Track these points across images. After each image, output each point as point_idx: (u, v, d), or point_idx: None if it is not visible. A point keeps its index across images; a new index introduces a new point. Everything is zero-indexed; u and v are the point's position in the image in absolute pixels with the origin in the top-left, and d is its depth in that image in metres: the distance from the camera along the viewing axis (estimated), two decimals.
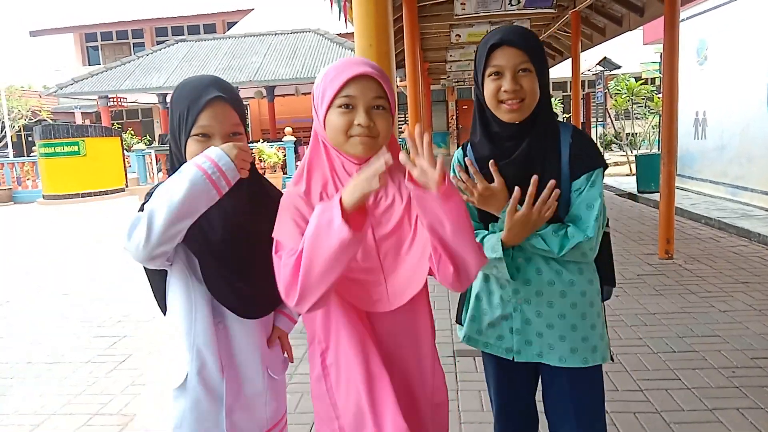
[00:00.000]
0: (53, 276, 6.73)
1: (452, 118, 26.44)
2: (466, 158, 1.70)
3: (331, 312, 1.40)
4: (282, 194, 1.46)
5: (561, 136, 1.64)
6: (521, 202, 1.57)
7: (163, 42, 22.73)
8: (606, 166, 1.63)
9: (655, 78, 19.56)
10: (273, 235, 1.34)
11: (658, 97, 16.41)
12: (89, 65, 28.08)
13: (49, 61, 30.35)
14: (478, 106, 1.66)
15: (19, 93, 23.55)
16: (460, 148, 1.81)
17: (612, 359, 1.77)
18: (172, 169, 1.47)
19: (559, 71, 17.58)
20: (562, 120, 1.73)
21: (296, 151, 16.48)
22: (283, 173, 15.69)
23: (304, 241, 1.22)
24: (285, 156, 15.67)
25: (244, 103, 19.57)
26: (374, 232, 1.37)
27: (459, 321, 1.88)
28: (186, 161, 1.40)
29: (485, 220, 1.72)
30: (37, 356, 4.10)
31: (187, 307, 1.49)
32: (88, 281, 6.38)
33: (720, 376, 3.25)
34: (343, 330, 1.38)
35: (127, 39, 29.55)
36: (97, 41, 29.66)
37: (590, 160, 1.61)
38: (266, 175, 15.15)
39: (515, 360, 1.73)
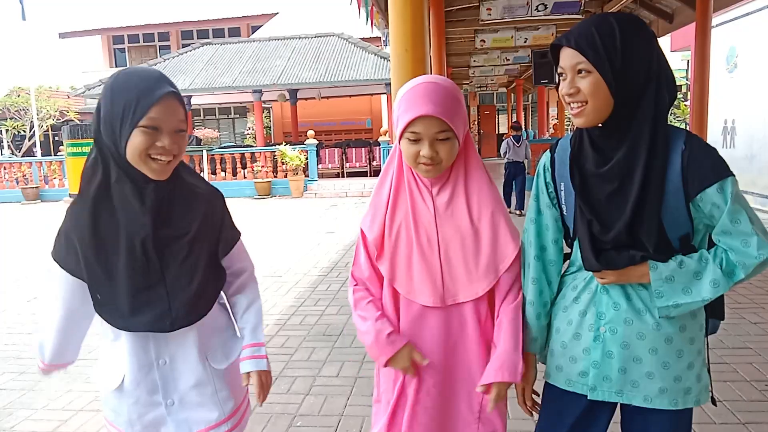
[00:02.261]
0: None
1: (474, 123, 26.34)
2: (553, 169, 1.56)
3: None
4: (213, 190, 1.57)
5: (672, 143, 1.37)
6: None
7: (188, 45, 23.01)
8: (733, 176, 1.35)
9: (681, 85, 19.31)
10: (363, 233, 1.64)
11: (686, 105, 16.18)
12: (116, 67, 28.52)
13: (77, 63, 30.97)
14: None
15: (47, 94, 23.99)
16: (549, 149, 1.62)
17: (714, 402, 1.54)
18: (92, 167, 1.41)
19: None
20: (677, 125, 1.47)
21: (318, 154, 16.54)
22: (305, 176, 15.78)
23: (363, 330, 1.60)
24: (307, 159, 15.75)
25: (267, 106, 19.73)
26: (437, 224, 1.55)
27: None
28: (124, 153, 1.37)
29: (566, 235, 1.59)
30: None
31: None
32: None
33: (753, 389, 3.18)
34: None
35: (154, 42, 29.96)
36: (124, 43, 30.11)
37: (713, 170, 1.34)
38: (288, 177, 15.26)
39: (589, 397, 1.51)
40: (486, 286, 1.54)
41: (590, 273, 1.49)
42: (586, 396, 1.51)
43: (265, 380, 1.60)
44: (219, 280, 1.58)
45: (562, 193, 1.54)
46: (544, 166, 1.60)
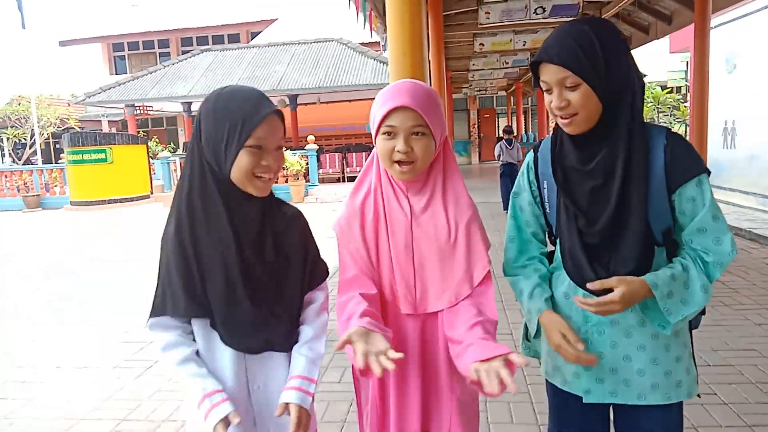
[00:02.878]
0: (81, 281, 6.81)
1: (473, 127, 26.35)
2: (538, 173, 1.59)
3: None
4: (297, 211, 1.60)
5: (653, 140, 1.42)
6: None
7: (188, 51, 23.06)
8: (709, 173, 1.42)
9: (681, 87, 19.31)
10: (338, 238, 1.58)
11: (685, 106, 16.18)
12: (116, 74, 28.58)
13: (77, 71, 30.96)
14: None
15: (48, 101, 24.04)
16: (532, 150, 1.66)
17: (698, 395, 1.56)
18: (190, 175, 1.43)
19: None
20: (654, 123, 1.53)
21: (318, 159, 16.55)
22: (306, 181, 15.78)
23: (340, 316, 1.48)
24: (307, 164, 15.76)
25: None
26: (413, 229, 1.52)
27: (526, 336, 1.73)
28: (228, 172, 1.39)
29: (549, 231, 1.63)
30: (65, 361, 4.14)
31: (206, 347, 1.48)
32: (114, 287, 6.45)
33: (758, 391, 3.16)
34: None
35: (154, 49, 30.02)
36: (124, 51, 30.18)
37: (692, 164, 1.40)
38: (289, 183, 15.25)
39: (584, 401, 1.54)
40: (457, 297, 1.50)
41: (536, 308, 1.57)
42: (597, 403, 1.53)
43: (304, 420, 1.44)
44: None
45: (545, 191, 1.59)
46: (528, 164, 1.64)
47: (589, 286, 1.42)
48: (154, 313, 1.46)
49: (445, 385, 1.54)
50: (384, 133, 1.47)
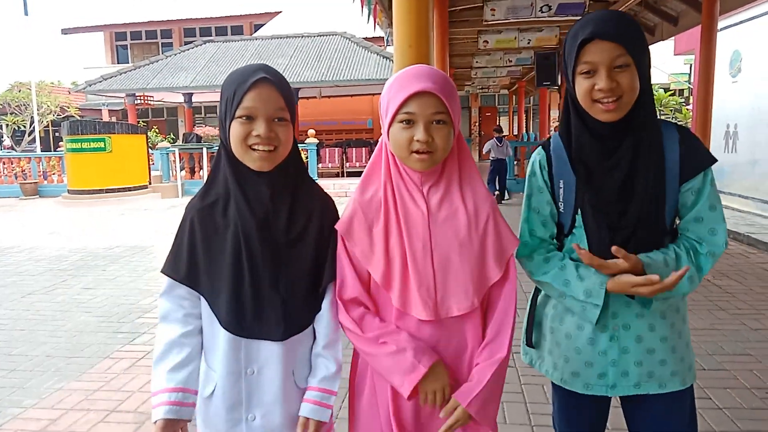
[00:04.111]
0: (75, 270, 6.78)
1: (474, 125, 26.33)
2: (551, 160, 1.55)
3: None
4: (325, 197, 1.52)
5: (665, 133, 1.45)
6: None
7: (191, 42, 22.98)
8: (715, 161, 1.46)
9: (683, 89, 19.26)
10: (342, 239, 1.45)
11: (687, 109, 16.13)
12: (118, 63, 28.50)
13: (79, 59, 30.90)
14: (572, 101, 1.47)
15: (48, 89, 24.02)
16: (540, 147, 1.62)
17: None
18: (217, 159, 1.45)
19: None
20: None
21: (318, 154, 16.51)
22: None
23: (372, 355, 1.41)
24: (307, 158, 15.72)
25: None
26: (430, 227, 1.40)
27: (529, 343, 1.69)
28: (230, 146, 1.39)
29: (558, 232, 1.59)
30: (56, 350, 4.11)
31: (209, 327, 1.47)
32: (109, 276, 6.42)
33: (753, 396, 3.13)
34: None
35: (156, 39, 29.95)
36: (126, 40, 30.10)
37: (704, 156, 1.45)
38: None
39: (609, 395, 1.55)
40: (482, 295, 1.41)
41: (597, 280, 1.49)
42: (606, 396, 1.55)
43: None
44: (320, 291, 1.50)
45: (561, 190, 1.54)
46: (540, 164, 1.58)
47: (614, 250, 1.38)
48: (163, 269, 1.47)
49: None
50: (401, 121, 1.35)
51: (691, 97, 17.11)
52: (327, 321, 1.48)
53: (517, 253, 1.60)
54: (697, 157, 1.44)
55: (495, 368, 1.38)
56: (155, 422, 1.39)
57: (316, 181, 1.54)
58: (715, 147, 10.24)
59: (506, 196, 12.66)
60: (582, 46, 1.37)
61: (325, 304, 1.48)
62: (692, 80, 17.02)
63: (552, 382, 1.67)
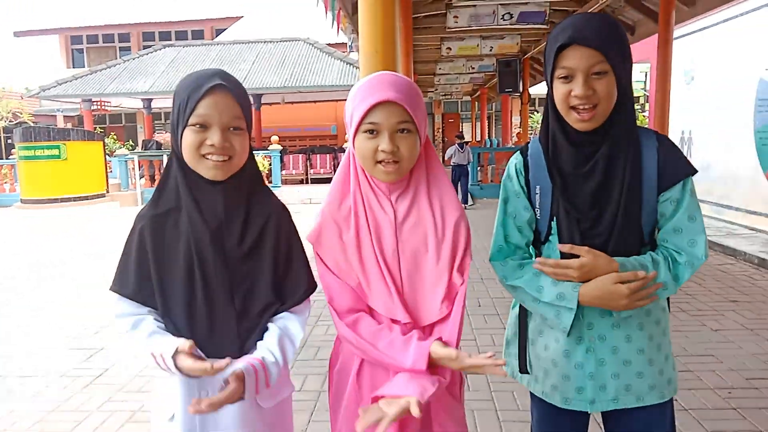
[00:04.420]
0: (28, 284, 6.52)
1: (438, 131, 26.54)
2: (528, 179, 1.51)
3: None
4: (281, 208, 1.45)
5: (643, 141, 1.42)
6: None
7: (149, 47, 22.52)
8: (696, 172, 1.42)
9: (639, 97, 19.79)
10: (315, 250, 1.40)
11: (644, 116, 16.58)
12: (73, 68, 27.73)
13: (32, 63, 29.92)
14: (551, 107, 1.45)
15: (0, 94, 23.15)
16: (518, 152, 1.59)
17: None
18: (168, 166, 1.37)
19: (545, 88, 17.70)
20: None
21: (282, 160, 16.36)
22: (268, 182, 15.57)
23: (368, 346, 1.33)
24: (270, 165, 15.55)
25: None
26: (397, 235, 1.37)
27: (523, 370, 1.63)
28: (182, 154, 1.32)
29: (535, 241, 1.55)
30: (8, 369, 3.91)
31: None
32: (63, 290, 6.18)
33: (717, 397, 3.19)
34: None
35: (114, 43, 29.27)
36: (82, 44, 29.32)
37: (683, 166, 1.42)
38: None
39: (590, 411, 1.51)
40: (448, 307, 1.35)
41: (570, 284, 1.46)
42: (585, 412, 1.52)
43: (234, 391, 1.25)
44: (279, 306, 1.41)
45: (537, 196, 1.52)
46: (516, 169, 1.56)
47: (559, 247, 1.40)
48: (111, 287, 1.39)
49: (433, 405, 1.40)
50: (366, 131, 1.32)
51: (647, 104, 17.60)
52: (292, 324, 1.39)
53: (491, 257, 1.60)
54: (675, 166, 1.41)
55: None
56: (173, 358, 1.25)
57: (273, 191, 1.48)
58: None
59: (469, 201, 12.92)
60: (560, 50, 1.35)
61: (295, 313, 1.41)
62: (648, 88, 17.52)
63: (531, 394, 1.65)
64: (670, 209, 1.43)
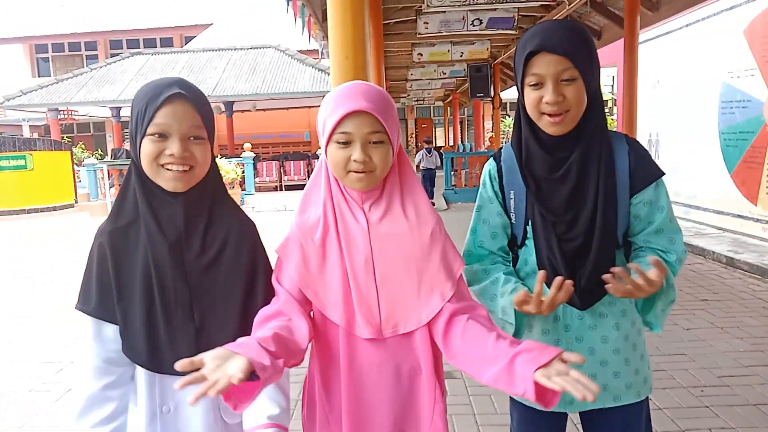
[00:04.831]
0: None
1: (411, 137, 26.66)
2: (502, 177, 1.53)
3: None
4: (246, 221, 1.41)
5: (615, 145, 1.45)
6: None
7: (117, 54, 22.17)
8: (664, 174, 1.47)
9: (608, 100, 20.17)
10: (280, 257, 1.38)
11: (612, 119, 16.89)
12: (39, 77, 27.15)
13: None
14: (522, 112, 1.46)
15: None
16: (492, 158, 1.60)
17: None
18: (128, 177, 1.33)
19: (516, 93, 17.92)
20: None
21: (255, 167, 16.25)
22: (242, 189, 15.43)
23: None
24: (243, 172, 15.42)
25: None
26: (372, 244, 1.34)
27: None
28: (141, 164, 1.28)
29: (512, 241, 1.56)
30: None
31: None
32: (30, 303, 6.02)
33: (690, 395, 3.25)
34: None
35: (80, 51, 28.76)
36: (48, 52, 28.75)
37: (654, 168, 1.45)
38: None
39: (568, 411, 1.53)
40: (432, 311, 1.33)
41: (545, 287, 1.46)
42: (563, 412, 1.54)
43: None
44: (244, 320, 1.36)
45: (512, 201, 1.53)
46: (490, 175, 1.57)
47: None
48: (76, 305, 1.35)
49: (425, 411, 1.38)
50: (337, 142, 1.30)
51: (615, 108, 17.94)
52: None
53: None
54: (646, 168, 1.45)
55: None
56: None
57: (237, 203, 1.44)
58: None
59: (438, 204, 13.09)
60: (529, 57, 1.36)
61: None
62: (615, 91, 17.87)
63: (511, 398, 1.65)
64: (645, 211, 1.45)
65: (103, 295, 1.30)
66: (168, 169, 1.27)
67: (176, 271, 1.28)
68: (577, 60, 1.34)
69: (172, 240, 1.29)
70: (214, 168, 1.38)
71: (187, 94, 1.27)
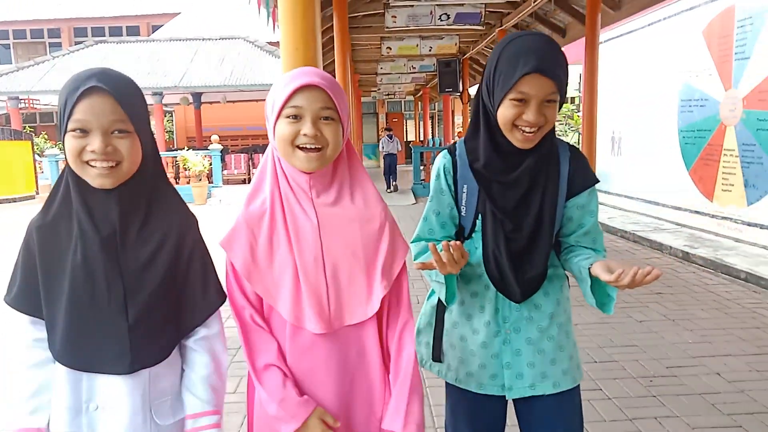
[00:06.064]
0: None
1: (382, 131, 26.64)
2: (456, 171, 1.57)
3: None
4: (186, 217, 1.37)
5: (560, 152, 1.55)
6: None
7: (81, 42, 21.62)
8: (598, 181, 1.60)
9: (575, 97, 20.47)
10: (228, 256, 1.37)
11: (578, 116, 17.16)
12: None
13: None
14: (485, 114, 1.49)
15: None
16: (446, 151, 1.62)
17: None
18: (62, 171, 1.30)
19: None
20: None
21: (223, 160, 16.06)
22: (209, 182, 15.25)
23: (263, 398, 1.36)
24: (211, 164, 15.24)
25: (169, 109, 18.86)
26: (321, 237, 1.35)
27: (437, 359, 1.66)
28: (67, 161, 1.26)
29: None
30: None
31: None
32: None
33: (639, 385, 3.34)
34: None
35: (43, 38, 27.96)
36: (8, 39, 27.88)
37: (590, 175, 1.57)
38: (191, 184, 14.65)
39: (507, 398, 1.59)
40: (378, 302, 1.35)
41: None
42: (502, 396, 1.58)
43: None
44: (181, 319, 1.34)
45: (464, 195, 1.58)
46: (444, 168, 1.60)
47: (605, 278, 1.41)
48: (5, 297, 1.33)
49: (379, 400, 1.41)
50: (288, 117, 1.29)
51: (581, 105, 18.19)
52: (204, 356, 1.34)
53: (411, 241, 1.63)
54: (584, 175, 1.55)
55: (410, 378, 1.38)
56: None
57: (181, 196, 1.40)
58: (604, 150, 10.96)
59: (407, 198, 13.47)
60: (522, 76, 1.37)
61: (204, 335, 1.35)
62: (581, 89, 18.11)
63: (446, 383, 1.68)
64: (577, 213, 1.56)
65: (28, 290, 1.29)
66: (92, 166, 1.23)
67: (109, 267, 1.25)
68: (561, 85, 1.40)
69: (104, 235, 1.25)
70: (154, 161, 1.34)
71: (105, 87, 1.21)
